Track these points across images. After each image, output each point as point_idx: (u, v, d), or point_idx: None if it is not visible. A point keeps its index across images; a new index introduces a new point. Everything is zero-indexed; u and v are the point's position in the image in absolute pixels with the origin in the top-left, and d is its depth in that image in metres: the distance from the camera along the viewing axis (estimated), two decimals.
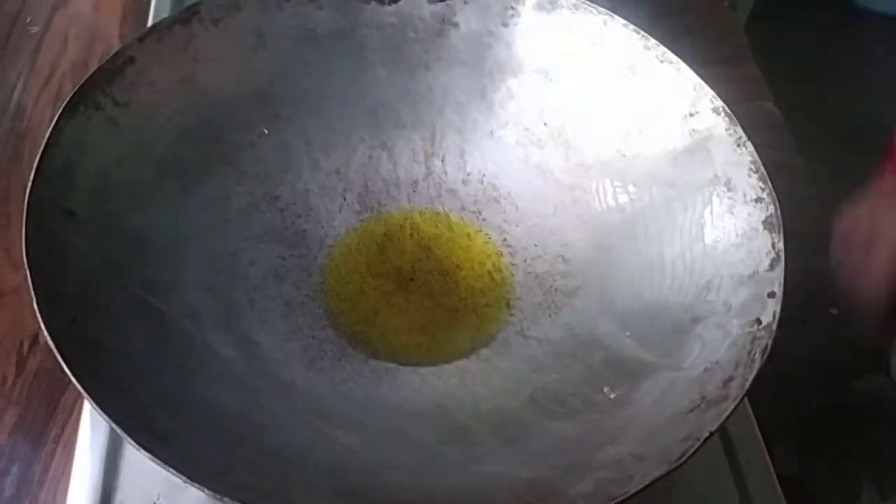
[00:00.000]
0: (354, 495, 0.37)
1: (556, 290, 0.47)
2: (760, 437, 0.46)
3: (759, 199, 0.43)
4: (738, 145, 0.44)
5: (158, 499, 0.42)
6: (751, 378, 0.37)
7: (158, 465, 0.32)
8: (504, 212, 0.50)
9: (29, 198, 0.38)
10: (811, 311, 0.52)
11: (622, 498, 0.33)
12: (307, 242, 0.49)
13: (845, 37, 0.64)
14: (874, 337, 0.45)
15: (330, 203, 0.50)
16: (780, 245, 0.41)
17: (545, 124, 0.50)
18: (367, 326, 0.46)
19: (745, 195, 0.43)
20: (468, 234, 0.50)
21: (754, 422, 0.47)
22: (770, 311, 0.39)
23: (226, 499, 0.32)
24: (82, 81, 0.42)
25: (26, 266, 0.36)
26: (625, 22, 0.48)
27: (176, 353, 0.40)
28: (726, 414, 0.35)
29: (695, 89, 0.46)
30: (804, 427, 0.48)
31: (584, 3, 0.48)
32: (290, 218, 0.49)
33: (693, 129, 0.46)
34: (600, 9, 0.48)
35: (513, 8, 0.49)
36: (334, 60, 0.50)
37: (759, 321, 0.39)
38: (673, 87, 0.46)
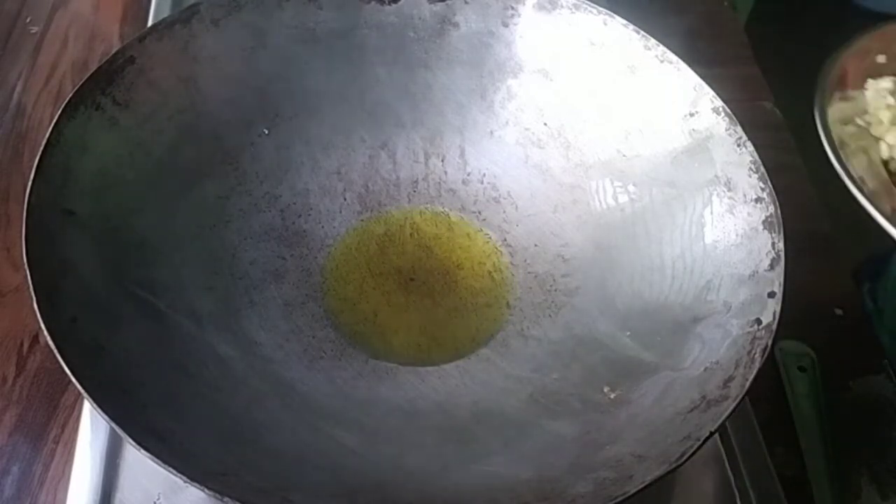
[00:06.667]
0: (354, 495, 0.37)
1: (556, 290, 0.47)
2: (761, 437, 0.46)
3: (759, 199, 0.43)
4: (738, 145, 0.44)
5: (158, 499, 0.42)
6: (751, 378, 0.37)
7: (158, 465, 0.32)
8: (504, 212, 0.50)
9: (29, 198, 0.38)
10: (813, 312, 0.52)
11: (622, 498, 0.33)
12: (307, 242, 0.49)
13: (845, 36, 0.64)
14: None
15: (330, 203, 0.50)
16: (780, 245, 0.41)
17: (545, 124, 0.50)
18: (367, 326, 0.46)
19: (745, 195, 0.43)
20: (468, 234, 0.50)
21: (754, 422, 0.47)
22: (770, 311, 0.39)
23: (226, 499, 0.32)
24: (82, 81, 0.42)
25: (26, 266, 0.36)
26: (625, 22, 0.48)
27: (176, 353, 0.40)
28: (726, 414, 0.35)
29: (695, 89, 0.46)
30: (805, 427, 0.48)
31: (584, 3, 0.48)
32: (290, 218, 0.49)
33: (693, 129, 0.46)
34: (600, 9, 0.48)
35: (513, 8, 0.49)
36: (334, 60, 0.50)
37: (759, 321, 0.39)
38: (673, 87, 0.46)
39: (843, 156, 0.38)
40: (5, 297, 0.51)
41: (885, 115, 0.38)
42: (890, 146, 0.38)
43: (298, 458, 0.38)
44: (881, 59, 0.40)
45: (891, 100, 0.39)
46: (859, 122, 0.38)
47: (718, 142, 0.45)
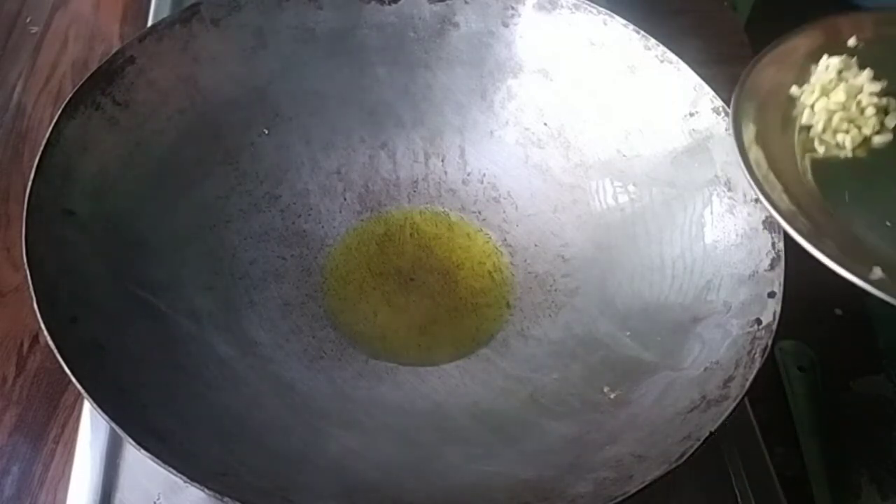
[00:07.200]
0: (354, 495, 0.37)
1: (556, 290, 0.47)
2: (760, 437, 0.46)
3: (759, 199, 0.42)
4: None
5: (158, 499, 0.42)
6: (751, 378, 0.37)
7: (158, 465, 0.32)
8: (504, 212, 0.50)
9: (29, 198, 0.38)
10: (813, 312, 0.52)
11: (622, 498, 0.33)
12: (307, 242, 0.49)
13: None
14: None
15: (330, 203, 0.50)
16: (780, 245, 0.41)
17: (545, 124, 0.50)
18: (367, 326, 0.46)
19: (745, 195, 0.43)
20: (468, 234, 0.50)
21: (754, 422, 0.47)
22: (770, 311, 0.39)
23: (226, 499, 0.32)
24: (82, 81, 0.42)
25: (26, 266, 0.36)
26: (625, 22, 0.48)
27: (176, 353, 0.40)
28: (726, 414, 0.35)
29: (695, 89, 0.46)
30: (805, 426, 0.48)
31: (584, 3, 0.48)
32: (290, 218, 0.49)
33: (693, 129, 0.46)
34: (600, 9, 0.48)
35: (513, 8, 0.50)
36: (334, 60, 0.50)
37: (759, 321, 0.39)
38: (673, 87, 0.46)
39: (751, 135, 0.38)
40: (5, 297, 0.51)
41: (819, 87, 0.38)
42: (813, 112, 0.38)
43: (298, 458, 0.38)
44: (852, 41, 0.40)
45: (833, 74, 0.39)
46: (793, 92, 0.38)
47: (718, 142, 0.45)
